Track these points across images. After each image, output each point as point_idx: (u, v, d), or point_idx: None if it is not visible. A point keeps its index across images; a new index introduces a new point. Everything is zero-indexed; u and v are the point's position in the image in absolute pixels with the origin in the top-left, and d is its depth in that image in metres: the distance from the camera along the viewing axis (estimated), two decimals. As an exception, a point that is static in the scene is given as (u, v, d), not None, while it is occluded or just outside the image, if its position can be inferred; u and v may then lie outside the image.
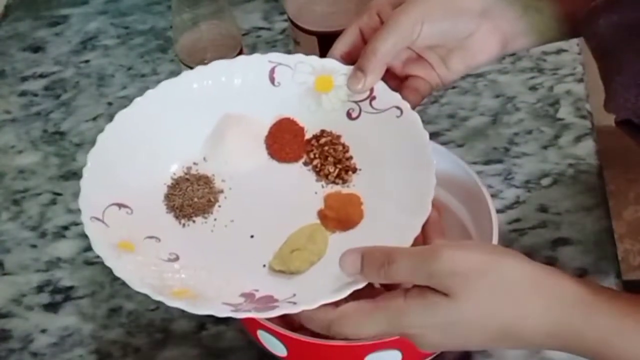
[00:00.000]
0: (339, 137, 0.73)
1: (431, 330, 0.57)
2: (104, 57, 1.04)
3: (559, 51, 0.97)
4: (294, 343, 0.65)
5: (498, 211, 0.78)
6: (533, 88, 0.94)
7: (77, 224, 0.87)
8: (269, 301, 0.61)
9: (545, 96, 0.93)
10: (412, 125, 0.69)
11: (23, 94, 1.02)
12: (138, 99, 0.72)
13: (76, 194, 0.83)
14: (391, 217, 0.66)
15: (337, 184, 0.71)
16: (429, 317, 0.56)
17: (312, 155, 0.73)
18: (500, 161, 0.87)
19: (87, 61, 1.04)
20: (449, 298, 0.55)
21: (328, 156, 0.72)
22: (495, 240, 0.68)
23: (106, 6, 1.10)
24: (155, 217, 0.69)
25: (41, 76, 1.03)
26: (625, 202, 1.66)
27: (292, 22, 0.90)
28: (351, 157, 0.72)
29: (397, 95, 0.71)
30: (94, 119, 0.97)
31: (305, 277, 0.64)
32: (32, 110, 1.00)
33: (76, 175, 0.91)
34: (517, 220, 0.83)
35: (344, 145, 0.73)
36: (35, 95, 1.01)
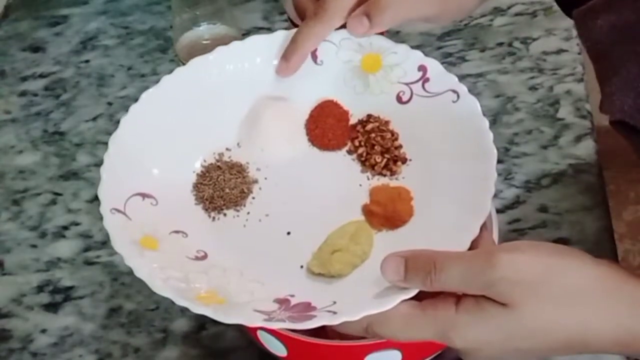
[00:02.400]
0: (387, 122, 0.68)
1: (488, 344, 0.53)
2: (104, 57, 1.04)
3: (559, 51, 0.97)
4: (294, 343, 0.65)
5: (498, 211, 0.78)
6: (533, 88, 0.94)
7: (77, 224, 0.87)
8: (305, 309, 0.57)
9: (545, 96, 0.93)
10: (470, 111, 0.64)
11: (23, 94, 1.02)
12: (166, 78, 0.67)
13: (76, 194, 0.82)
14: (445, 216, 0.61)
15: (385, 175, 0.66)
16: (487, 332, 0.53)
17: (357, 143, 0.68)
18: (500, 161, 0.87)
19: (87, 61, 1.04)
20: (508, 309, 0.52)
21: (375, 144, 0.67)
22: (495, 240, 0.67)
23: (106, 6, 1.10)
24: (182, 209, 0.64)
25: (41, 76, 1.03)
26: (625, 202, 1.66)
27: (292, 22, 0.90)
28: (400, 146, 0.67)
29: (453, 78, 0.66)
30: (94, 119, 0.97)
31: (346, 282, 0.60)
32: (32, 110, 1.00)
33: (76, 175, 0.91)
34: (517, 220, 0.82)
35: (392, 132, 0.67)
36: (35, 95, 1.01)
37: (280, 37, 0.70)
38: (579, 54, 0.96)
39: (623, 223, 1.63)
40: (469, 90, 0.94)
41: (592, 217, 0.82)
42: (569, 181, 0.85)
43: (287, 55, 0.69)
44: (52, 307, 0.81)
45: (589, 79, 0.93)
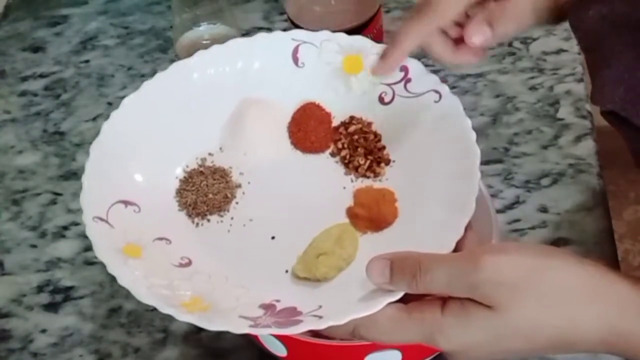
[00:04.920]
0: (370, 124, 0.68)
1: (474, 347, 0.53)
2: (104, 57, 1.04)
3: (559, 51, 0.97)
4: (294, 343, 0.65)
5: (498, 211, 0.78)
6: (533, 88, 0.94)
7: (77, 224, 0.87)
8: (291, 314, 0.57)
9: (545, 96, 0.93)
10: (453, 111, 0.64)
11: (23, 94, 1.02)
12: (147, 82, 0.67)
13: (76, 194, 0.82)
14: (430, 216, 0.61)
15: (368, 177, 0.66)
16: (472, 334, 0.53)
17: (340, 145, 0.67)
18: (500, 161, 0.87)
19: (87, 61, 1.04)
20: (494, 311, 0.52)
21: (358, 146, 0.66)
22: (495, 240, 0.67)
23: (106, 6, 1.10)
24: (165, 216, 0.64)
25: (41, 76, 1.03)
26: (625, 202, 1.66)
27: (292, 22, 0.90)
28: (384, 147, 0.67)
29: (434, 78, 0.66)
30: (94, 119, 0.97)
31: (332, 286, 0.60)
32: (32, 110, 1.00)
33: (76, 175, 0.91)
34: (517, 220, 0.82)
35: (375, 134, 0.67)
36: (35, 95, 1.01)
37: (261, 41, 0.69)
38: (579, 54, 0.96)
39: (623, 223, 1.63)
40: (469, 90, 0.95)
41: (592, 217, 0.82)
42: (569, 181, 0.85)
43: (386, 54, 0.67)
44: (52, 307, 0.81)
45: (588, 79, 0.93)
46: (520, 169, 0.86)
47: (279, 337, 0.65)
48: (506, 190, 0.85)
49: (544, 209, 0.83)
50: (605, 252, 0.79)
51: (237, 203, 0.66)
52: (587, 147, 0.87)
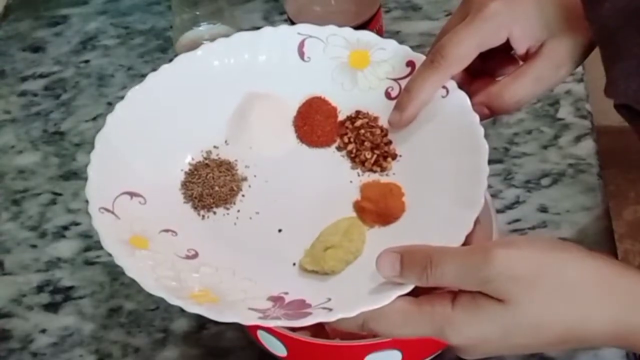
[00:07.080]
0: (376, 118, 0.68)
1: (484, 341, 0.53)
2: (104, 57, 1.04)
3: (559, 51, 0.97)
4: (294, 343, 0.64)
5: (498, 211, 0.78)
6: (533, 88, 0.94)
7: (77, 224, 0.87)
8: (300, 306, 0.56)
9: (545, 96, 0.93)
10: (460, 106, 0.63)
11: (23, 94, 1.02)
12: (152, 74, 0.67)
13: (76, 194, 0.82)
14: (437, 211, 0.60)
15: (375, 172, 0.66)
16: (483, 328, 0.53)
17: (346, 140, 0.67)
18: (500, 161, 0.87)
19: (87, 61, 1.04)
20: (505, 305, 0.52)
21: (364, 140, 0.66)
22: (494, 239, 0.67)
23: (106, 6, 1.10)
24: (171, 208, 0.64)
25: (41, 76, 1.03)
26: (625, 202, 1.66)
27: (292, 22, 0.90)
28: (390, 142, 0.67)
29: None
30: (94, 119, 0.97)
31: (340, 279, 0.60)
32: (32, 110, 1.00)
33: (76, 175, 0.91)
34: (517, 220, 0.82)
35: (382, 128, 0.67)
36: (35, 95, 1.01)
37: (267, 34, 0.69)
38: (579, 54, 0.96)
39: (623, 223, 1.64)
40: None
41: (592, 217, 0.82)
42: (569, 181, 0.85)
43: (401, 105, 0.66)
44: (52, 307, 0.81)
45: (589, 79, 0.93)
46: (520, 169, 0.86)
47: (279, 337, 0.65)
48: (506, 190, 0.85)
49: (544, 209, 0.83)
50: (605, 252, 0.79)
51: (243, 196, 0.66)
52: (587, 147, 0.87)
